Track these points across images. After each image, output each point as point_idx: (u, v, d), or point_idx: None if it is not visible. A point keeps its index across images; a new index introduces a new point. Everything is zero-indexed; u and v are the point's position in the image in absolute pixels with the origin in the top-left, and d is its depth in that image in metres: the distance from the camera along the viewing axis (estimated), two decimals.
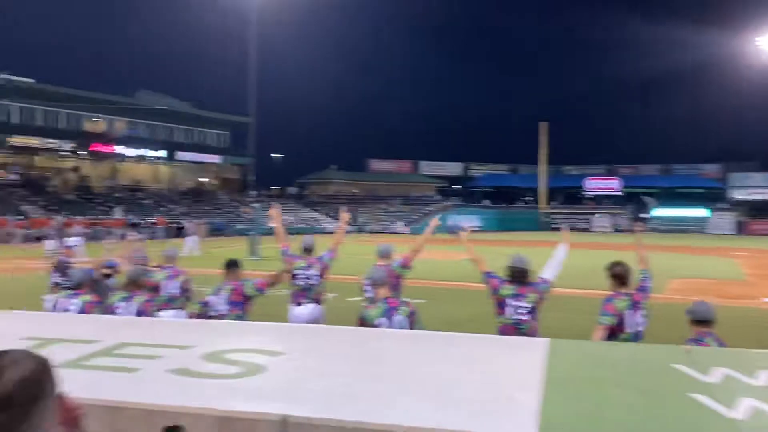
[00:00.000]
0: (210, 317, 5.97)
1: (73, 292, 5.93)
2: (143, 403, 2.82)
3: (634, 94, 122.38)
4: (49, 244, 24.00)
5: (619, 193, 73.08)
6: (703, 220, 63.37)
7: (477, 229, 49.79)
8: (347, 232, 9.28)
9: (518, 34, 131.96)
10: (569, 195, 75.71)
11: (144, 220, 46.98)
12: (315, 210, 64.17)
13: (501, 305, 5.70)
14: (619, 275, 5.48)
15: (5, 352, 1.44)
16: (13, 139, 48.23)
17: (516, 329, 5.56)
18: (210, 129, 64.06)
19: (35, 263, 20.14)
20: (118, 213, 47.60)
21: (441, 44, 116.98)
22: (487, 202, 74.27)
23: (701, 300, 5.10)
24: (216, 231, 48.89)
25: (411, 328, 5.22)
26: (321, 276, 7.32)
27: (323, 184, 77.49)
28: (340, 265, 8.27)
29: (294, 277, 7.31)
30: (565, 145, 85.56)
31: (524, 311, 5.62)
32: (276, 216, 8.11)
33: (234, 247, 31.07)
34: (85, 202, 50.23)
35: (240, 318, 5.96)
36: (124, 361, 3.56)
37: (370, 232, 56.18)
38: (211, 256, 23.74)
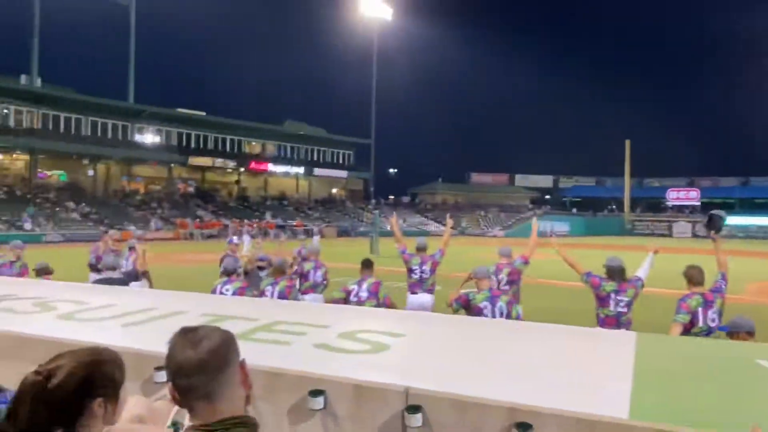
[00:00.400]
0: (346, 302, 6.11)
1: (227, 278, 6.25)
2: (294, 370, 2.89)
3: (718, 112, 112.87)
4: (236, 239, 25.62)
5: (698, 204, 67.74)
6: None
7: (564, 234, 47.86)
8: (451, 235, 9.31)
9: (603, 58, 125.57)
10: (651, 204, 71.09)
11: (287, 223, 49.03)
12: (424, 216, 64.19)
13: (604, 300, 5.64)
14: (690, 276, 5.24)
15: (199, 327, 1.46)
16: (191, 160, 51.73)
17: (617, 320, 5.54)
18: (339, 149, 65.77)
19: (210, 256, 21.45)
20: (268, 216, 49.92)
21: (532, 72, 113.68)
22: (574, 211, 71.17)
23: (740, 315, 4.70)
24: (343, 233, 50.22)
25: (509, 314, 5.33)
26: (432, 271, 7.44)
27: (431, 194, 77.36)
28: (448, 262, 8.28)
29: (410, 271, 7.48)
30: (649, 157, 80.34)
31: (624, 304, 5.58)
32: (394, 222, 8.48)
33: (358, 246, 31.69)
34: (244, 209, 53.11)
35: (374, 305, 6.09)
36: (278, 336, 3.69)
37: (471, 236, 55.42)
38: (338, 253, 24.34)
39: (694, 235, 57.49)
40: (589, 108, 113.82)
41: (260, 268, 8.49)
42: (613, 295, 5.60)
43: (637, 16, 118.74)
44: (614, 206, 72.20)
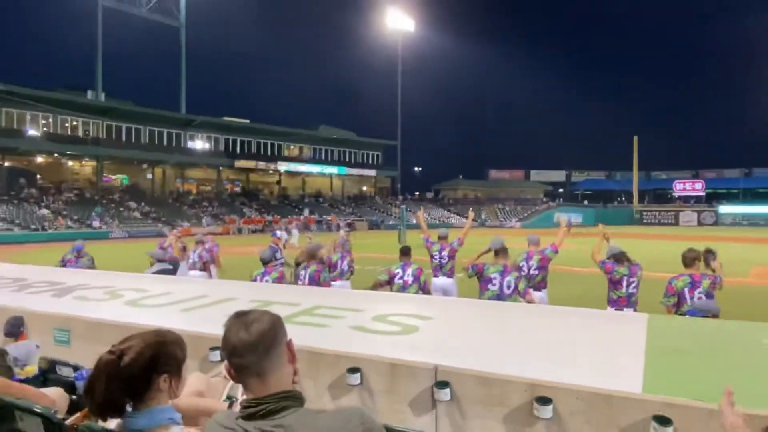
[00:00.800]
0: (389, 283, 6.19)
1: (264, 269, 6.29)
2: (333, 350, 2.92)
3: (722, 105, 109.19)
4: (282, 235, 26.09)
5: (702, 194, 65.74)
6: None
7: (578, 224, 46.98)
8: (472, 226, 9.31)
9: (609, 60, 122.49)
10: (658, 195, 69.27)
11: (323, 218, 49.33)
12: (447, 210, 63.78)
13: (618, 283, 5.71)
14: (683, 259, 5.19)
15: (250, 311, 1.46)
16: (237, 163, 52.39)
17: (628, 300, 5.63)
18: (368, 150, 65.77)
19: (255, 248, 21.70)
20: (306, 213, 50.30)
21: (546, 75, 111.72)
22: (586, 203, 69.83)
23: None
24: (374, 226, 50.30)
25: (516, 288, 5.47)
26: (450, 257, 7.46)
27: (453, 189, 76.76)
28: (470, 251, 8.23)
29: (431, 257, 7.60)
30: (655, 151, 78.27)
31: (634, 286, 5.65)
32: (420, 216, 8.94)
33: (387, 238, 31.71)
34: (284, 206, 53.62)
35: (417, 289, 6.15)
36: (318, 319, 3.73)
37: (490, 227, 54.91)
38: (370, 245, 24.43)
39: (700, 224, 55.87)
40: (599, 106, 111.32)
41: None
42: (625, 278, 5.67)
43: (640, 18, 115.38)
44: (623, 198, 70.60)
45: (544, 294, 6.66)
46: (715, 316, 4.39)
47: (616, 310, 5.64)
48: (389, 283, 6.25)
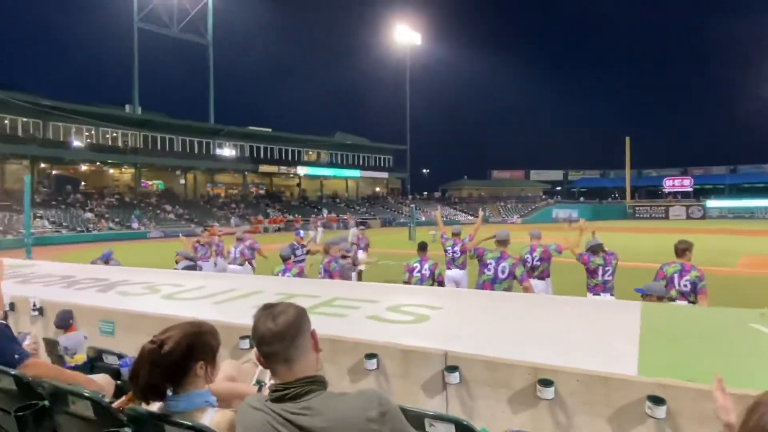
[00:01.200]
0: (407, 282, 6.27)
1: (284, 266, 6.32)
2: (351, 338, 2.93)
3: (708, 103, 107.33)
4: (312, 235, 26.41)
5: (690, 190, 64.80)
6: (766, 209, 54.26)
7: (576, 219, 46.55)
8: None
9: (602, 64, 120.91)
10: (649, 191, 68.39)
11: (340, 217, 49.40)
12: (453, 208, 63.53)
13: (594, 272, 5.85)
14: (675, 249, 5.18)
15: (277, 303, 1.48)
16: (261, 168, 52.69)
17: (604, 287, 5.79)
18: (380, 155, 65.73)
19: (280, 245, 21.78)
20: (325, 212, 50.39)
21: (543, 81, 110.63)
22: (582, 199, 69.11)
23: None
24: (386, 223, 50.33)
25: (512, 273, 5.59)
26: (462, 252, 7.49)
27: (458, 189, 76.39)
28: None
29: (445, 251, 7.73)
30: (646, 151, 77.24)
31: (609, 274, 5.81)
32: (438, 214, 9.67)
33: (398, 234, 31.67)
34: (304, 207, 53.81)
35: (432, 281, 6.24)
36: (337, 309, 3.74)
37: (492, 223, 54.61)
38: (383, 240, 24.42)
39: (688, 217, 55.05)
40: (593, 110, 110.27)
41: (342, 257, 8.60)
42: (601, 267, 5.81)
43: (632, 21, 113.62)
44: (617, 194, 69.75)
45: (548, 282, 6.67)
46: (660, 297, 4.45)
47: (593, 295, 5.81)
48: (410, 275, 6.36)
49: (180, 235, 12.74)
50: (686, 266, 5.02)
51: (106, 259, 8.04)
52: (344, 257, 8.34)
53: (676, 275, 5.00)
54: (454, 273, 7.53)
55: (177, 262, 7.66)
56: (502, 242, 5.87)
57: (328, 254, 6.52)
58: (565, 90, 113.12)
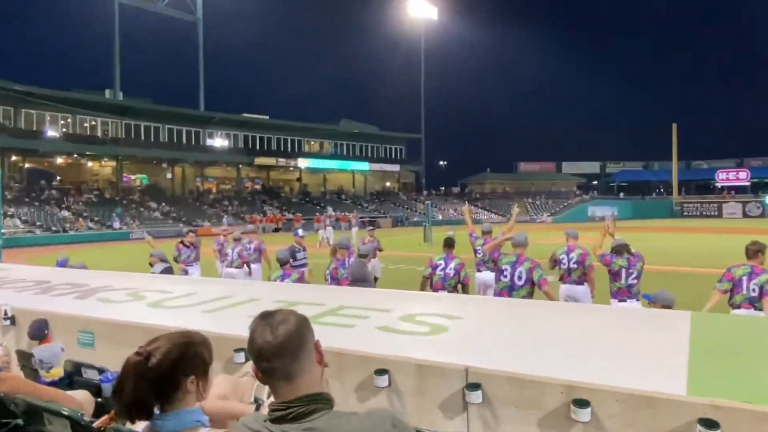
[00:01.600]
0: (433, 272, 6.42)
1: (282, 272, 6.33)
2: (359, 351, 2.93)
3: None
4: (323, 233, 26.71)
5: (747, 184, 63.84)
6: None
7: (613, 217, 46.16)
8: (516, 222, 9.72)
9: (645, 42, 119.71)
10: (699, 186, 67.59)
11: (345, 215, 49.51)
12: (474, 205, 63.45)
13: (617, 275, 6.00)
14: (747, 249, 5.24)
15: (276, 311, 1.46)
16: (257, 160, 52.95)
17: (629, 291, 5.91)
18: (391, 144, 65.76)
19: (277, 247, 21.88)
20: (330, 210, 50.51)
21: (576, 61, 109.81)
22: (621, 195, 68.55)
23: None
24: (398, 222, 50.35)
25: (529, 279, 5.60)
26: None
27: (480, 183, 76.21)
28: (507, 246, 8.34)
29: (474, 252, 7.93)
30: (696, 139, 76.49)
31: (633, 277, 5.93)
32: (466, 210, 9.89)
33: (412, 235, 31.66)
34: (305, 203, 54.04)
35: (457, 282, 6.41)
36: (343, 319, 3.74)
37: (519, 222, 54.33)
38: (394, 242, 24.43)
39: (745, 215, 54.34)
40: (635, 93, 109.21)
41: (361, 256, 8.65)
42: (624, 270, 5.92)
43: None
44: (662, 189, 69.14)
45: (586, 288, 6.65)
46: (666, 306, 4.49)
47: (619, 301, 5.88)
48: (432, 272, 6.48)
49: (145, 235, 12.98)
50: (756, 269, 5.09)
51: (62, 266, 8.05)
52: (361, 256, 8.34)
53: (744, 278, 5.07)
54: (484, 276, 7.64)
55: (152, 265, 7.77)
56: (519, 245, 5.94)
57: (335, 258, 6.55)
58: (601, 70, 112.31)
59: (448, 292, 6.55)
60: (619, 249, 6.03)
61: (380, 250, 12.06)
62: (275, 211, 49.28)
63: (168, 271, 7.54)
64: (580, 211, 57.49)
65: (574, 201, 64.03)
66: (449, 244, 6.74)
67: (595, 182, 76.55)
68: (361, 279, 6.16)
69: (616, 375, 2.47)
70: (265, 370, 1.39)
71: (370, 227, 14.56)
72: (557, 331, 3.44)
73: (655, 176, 72.89)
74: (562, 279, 7.02)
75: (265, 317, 1.44)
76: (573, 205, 61.50)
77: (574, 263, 6.69)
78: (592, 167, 79.07)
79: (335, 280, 6.36)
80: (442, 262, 6.50)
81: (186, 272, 9.62)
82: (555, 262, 6.83)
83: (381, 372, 2.75)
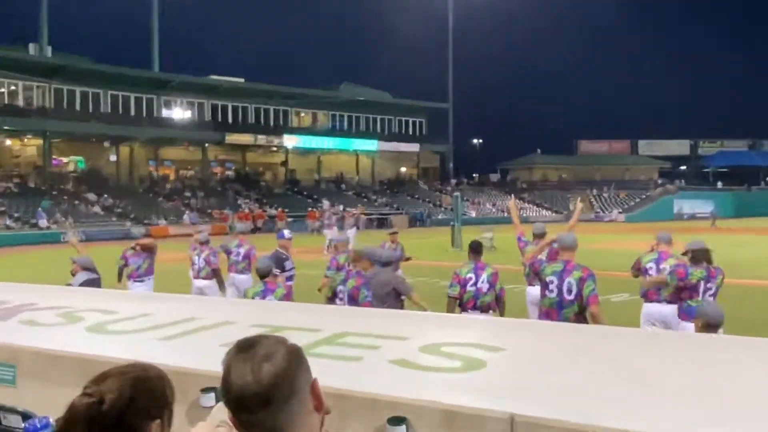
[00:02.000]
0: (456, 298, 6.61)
1: (264, 286, 6.41)
2: (368, 392, 2.93)
3: None
4: (329, 233, 27.10)
5: None
6: None
7: (712, 215, 45.92)
8: (578, 220, 10.03)
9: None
10: None
11: (350, 211, 49.64)
12: (519, 198, 63.40)
13: (693, 289, 6.15)
14: None
15: (257, 340, 1.45)
16: (229, 138, 53.13)
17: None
18: (407, 117, 65.75)
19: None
20: (325, 204, 50.63)
21: (660, 18, 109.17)
22: (719, 185, 68.08)
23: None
24: (416, 221, 50.32)
25: (579, 294, 5.70)
26: (550, 260, 7.48)
27: (527, 169, 76.15)
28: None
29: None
30: None
31: (711, 293, 6.11)
32: (512, 205, 10.19)
33: (435, 237, 31.66)
34: (293, 195, 54.30)
35: (492, 298, 6.66)
36: (346, 350, 3.74)
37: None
38: (410, 247, 24.39)
39: None
40: (735, 51, 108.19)
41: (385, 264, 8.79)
42: (702, 283, 6.04)
43: None
44: None
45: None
46: (709, 324, 4.52)
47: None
48: (462, 293, 6.63)
49: (69, 236, 13.18)
50: None
51: None
52: (386, 264, 8.44)
53: None
54: (538, 290, 7.65)
55: (73, 274, 7.87)
56: (567, 248, 6.05)
57: (355, 270, 6.59)
58: (691, 24, 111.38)
59: (483, 311, 6.72)
60: (698, 256, 6.09)
61: (407, 260, 12.10)
62: (252, 205, 49.55)
63: (93, 283, 7.61)
64: (662, 207, 57.30)
65: (655, 193, 63.74)
66: (476, 249, 6.89)
67: (683, 167, 76.11)
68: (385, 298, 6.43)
69: (709, 425, 2.45)
70: (246, 423, 1.39)
71: (392, 230, 14.61)
72: (638, 367, 3.41)
73: (765, 160, 72.28)
74: (646, 296, 7.03)
75: (244, 349, 1.43)
76: (653, 199, 61.30)
77: (668, 274, 6.73)
78: (680, 147, 78.70)
79: (354, 302, 6.35)
80: (471, 275, 6.61)
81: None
82: (639, 271, 6.87)
83: (396, 421, 2.75)
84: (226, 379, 1.40)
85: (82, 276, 7.75)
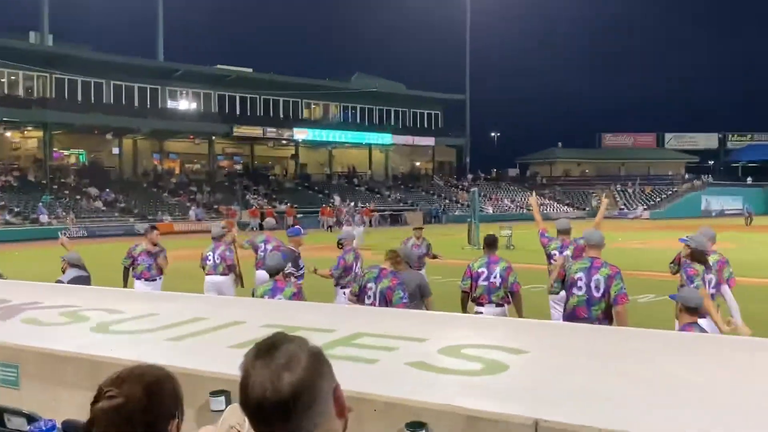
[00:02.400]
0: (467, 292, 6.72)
1: (273, 283, 6.45)
2: (384, 396, 2.93)
3: None
4: (346, 232, 27.07)
5: None
6: None
7: (739, 212, 45.58)
8: (603, 217, 9.88)
9: None
10: None
11: (358, 207, 49.69)
12: (540, 194, 63.14)
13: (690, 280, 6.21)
14: None
15: (278, 343, 1.42)
16: (237, 130, 53.11)
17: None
18: (422, 109, 65.60)
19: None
20: (337, 201, 50.67)
21: (687, 3, 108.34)
22: (749, 180, 67.53)
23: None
24: (432, 217, 50.27)
25: (607, 291, 5.77)
26: (576, 257, 7.48)
27: (548, 163, 75.83)
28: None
29: (548, 257, 8.10)
30: None
31: (712, 286, 6.21)
32: (533, 201, 10.24)
33: (450, 235, 31.61)
34: (303, 190, 54.35)
35: (505, 293, 6.77)
36: (361, 351, 3.74)
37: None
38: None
39: None
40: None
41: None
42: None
43: None
44: None
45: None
46: (690, 309, 4.78)
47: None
48: (473, 286, 6.73)
49: (61, 234, 13.21)
50: None
51: None
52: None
53: None
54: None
55: (63, 271, 7.92)
56: (594, 246, 6.12)
57: (390, 270, 6.58)
58: (719, 8, 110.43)
59: (496, 306, 6.78)
60: (697, 256, 6.24)
61: (434, 257, 12.03)
62: (261, 201, 49.64)
63: (82, 281, 7.66)
64: (689, 203, 56.96)
65: (682, 189, 63.37)
66: (490, 243, 7.04)
67: (712, 162, 75.58)
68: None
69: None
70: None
71: (417, 225, 14.55)
72: (669, 370, 3.39)
73: None
74: None
75: (263, 354, 1.40)
76: (680, 195, 60.97)
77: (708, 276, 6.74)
78: (708, 141, 78.16)
79: (386, 302, 6.29)
80: (483, 269, 6.71)
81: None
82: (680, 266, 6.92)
83: (415, 426, 2.75)
84: (244, 386, 1.38)
85: (72, 273, 7.80)
